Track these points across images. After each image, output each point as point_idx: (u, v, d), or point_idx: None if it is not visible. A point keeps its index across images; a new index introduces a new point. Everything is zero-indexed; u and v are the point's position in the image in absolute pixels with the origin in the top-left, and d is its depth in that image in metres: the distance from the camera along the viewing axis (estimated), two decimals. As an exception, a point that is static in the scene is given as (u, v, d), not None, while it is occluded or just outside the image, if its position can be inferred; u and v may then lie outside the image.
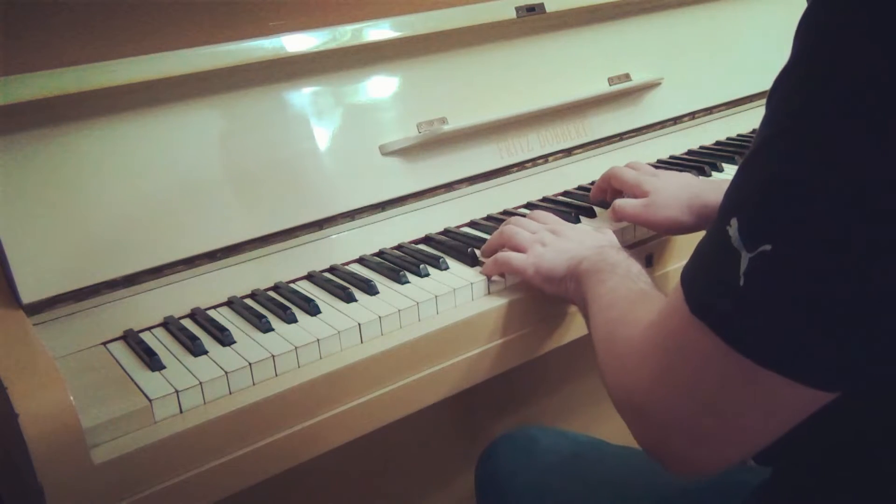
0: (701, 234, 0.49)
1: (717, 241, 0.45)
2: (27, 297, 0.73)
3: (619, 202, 0.88)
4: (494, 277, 0.83)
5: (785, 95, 0.42)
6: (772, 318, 0.42)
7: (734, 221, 0.43)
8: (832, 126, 0.39)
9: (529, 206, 1.04)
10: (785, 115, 0.42)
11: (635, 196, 0.89)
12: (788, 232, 0.41)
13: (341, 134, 0.92)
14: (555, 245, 0.80)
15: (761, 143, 0.43)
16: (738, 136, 1.28)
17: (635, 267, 0.72)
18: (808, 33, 0.41)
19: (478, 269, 0.85)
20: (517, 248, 0.82)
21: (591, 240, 0.81)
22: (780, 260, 0.41)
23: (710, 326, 0.45)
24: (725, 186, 0.46)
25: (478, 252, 0.87)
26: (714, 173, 1.11)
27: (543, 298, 0.83)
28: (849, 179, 0.39)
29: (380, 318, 0.76)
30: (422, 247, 0.94)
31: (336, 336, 0.74)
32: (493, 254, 0.84)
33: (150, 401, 0.65)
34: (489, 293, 0.83)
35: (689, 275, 0.49)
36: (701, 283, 0.47)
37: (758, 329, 0.43)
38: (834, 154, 0.39)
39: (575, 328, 0.88)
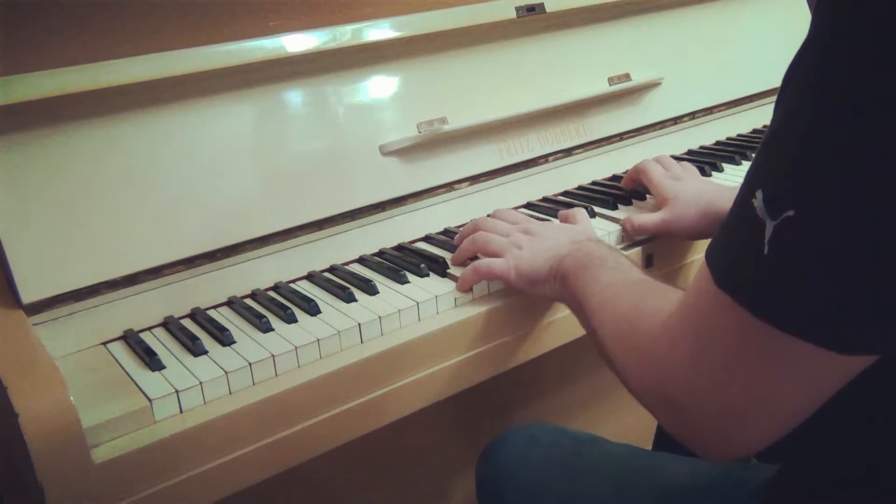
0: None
1: (742, 215, 0.45)
2: (27, 297, 0.73)
3: (639, 221, 0.90)
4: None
5: (805, 73, 0.43)
6: (794, 284, 0.43)
7: (759, 193, 0.44)
8: (852, 98, 0.40)
9: (529, 206, 1.04)
10: (807, 89, 0.43)
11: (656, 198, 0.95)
12: (811, 195, 0.41)
13: (341, 134, 0.92)
14: (531, 246, 0.79)
15: (785, 119, 0.44)
16: (738, 136, 1.28)
17: (623, 258, 0.72)
18: (830, 8, 0.42)
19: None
20: (492, 255, 0.81)
21: (567, 235, 0.80)
22: (803, 223, 0.41)
23: (737, 299, 0.45)
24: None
25: (449, 263, 0.85)
26: (714, 173, 1.11)
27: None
28: (868, 148, 0.39)
29: (380, 318, 0.76)
30: (422, 246, 0.94)
31: (336, 336, 0.74)
32: (464, 262, 0.84)
33: (150, 401, 0.65)
34: (489, 293, 0.83)
35: (715, 253, 0.49)
36: (727, 258, 0.47)
37: (782, 296, 0.43)
38: (855, 119, 0.40)
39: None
